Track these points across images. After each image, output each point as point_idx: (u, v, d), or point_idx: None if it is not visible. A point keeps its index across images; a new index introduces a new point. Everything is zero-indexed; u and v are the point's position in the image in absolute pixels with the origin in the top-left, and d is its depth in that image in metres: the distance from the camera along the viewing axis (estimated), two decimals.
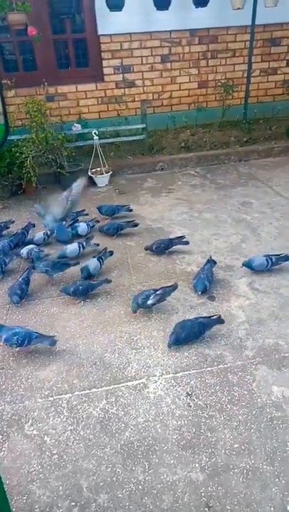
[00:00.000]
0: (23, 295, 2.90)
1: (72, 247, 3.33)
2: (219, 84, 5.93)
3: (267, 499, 1.66)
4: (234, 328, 2.58)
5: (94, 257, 3.14)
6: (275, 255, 3.08)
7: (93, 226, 3.75)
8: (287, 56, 6.21)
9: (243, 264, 3.07)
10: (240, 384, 2.18)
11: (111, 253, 3.26)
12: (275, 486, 1.71)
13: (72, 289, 2.86)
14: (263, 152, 5.46)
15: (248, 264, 3.06)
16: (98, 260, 3.09)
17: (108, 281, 2.99)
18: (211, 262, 3.04)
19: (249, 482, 1.73)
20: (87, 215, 4.04)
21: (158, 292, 2.69)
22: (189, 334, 2.41)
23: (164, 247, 3.36)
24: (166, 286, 2.76)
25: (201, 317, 2.54)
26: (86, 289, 2.88)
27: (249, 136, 5.65)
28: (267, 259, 3.02)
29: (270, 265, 3.03)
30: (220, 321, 2.53)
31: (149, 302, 2.64)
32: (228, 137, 5.64)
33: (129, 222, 3.76)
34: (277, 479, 1.73)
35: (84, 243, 3.39)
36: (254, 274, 3.07)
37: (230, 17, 5.56)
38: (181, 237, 3.47)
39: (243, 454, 1.84)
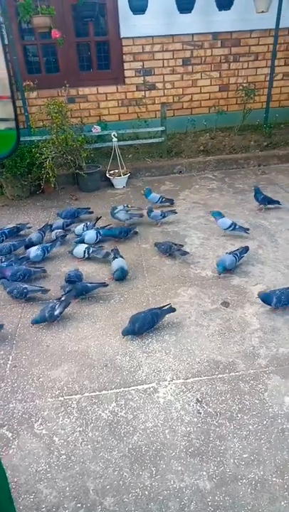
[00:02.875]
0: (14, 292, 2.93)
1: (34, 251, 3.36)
2: (241, 87, 5.88)
3: None
4: (247, 335, 2.54)
5: (115, 257, 3.19)
6: (236, 250, 3.20)
7: (104, 235, 3.62)
8: None
9: (220, 273, 3.10)
10: (251, 393, 2.15)
11: (117, 250, 3.33)
12: (285, 499, 1.67)
13: (67, 288, 2.89)
14: (283, 157, 5.38)
15: (222, 268, 3.06)
16: (122, 258, 3.19)
17: (105, 285, 2.99)
18: None
19: (257, 494, 1.70)
20: (92, 212, 4.11)
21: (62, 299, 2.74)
22: (143, 324, 2.49)
23: (163, 249, 3.40)
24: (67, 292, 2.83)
25: (154, 308, 2.64)
26: (81, 291, 2.89)
27: (269, 140, 5.58)
28: (234, 256, 3.11)
29: (238, 260, 3.14)
30: (171, 310, 2.64)
31: (56, 312, 2.67)
32: (248, 141, 5.58)
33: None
34: (286, 492, 1.69)
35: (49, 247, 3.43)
36: (270, 281, 3.02)
37: (253, 20, 5.51)
38: (181, 245, 3.47)
39: (252, 465, 1.81)
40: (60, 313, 2.68)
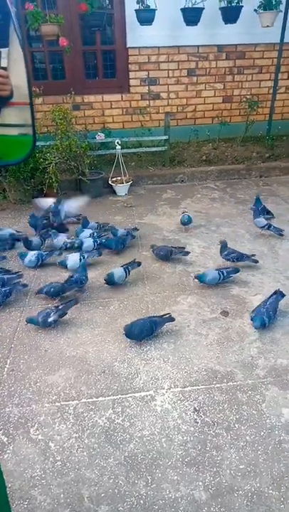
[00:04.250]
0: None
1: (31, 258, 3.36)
2: (244, 99, 5.94)
3: None
4: (246, 345, 2.54)
5: (121, 266, 3.16)
6: (225, 268, 3.16)
7: (101, 244, 3.55)
8: None
9: (196, 277, 3.09)
10: (249, 403, 2.14)
11: (139, 264, 3.25)
12: None
13: (45, 289, 2.93)
14: (285, 169, 5.42)
15: (201, 279, 3.06)
16: (124, 270, 3.10)
17: (81, 291, 3.03)
18: (278, 295, 2.79)
19: (253, 506, 1.68)
20: (79, 219, 4.09)
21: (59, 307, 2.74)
22: (142, 331, 2.50)
23: (163, 255, 3.41)
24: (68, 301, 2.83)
25: (154, 316, 2.64)
26: (58, 292, 2.93)
27: (272, 152, 5.63)
28: (219, 273, 3.07)
29: (222, 279, 3.07)
30: (171, 319, 2.64)
31: (50, 319, 2.67)
32: (250, 152, 5.63)
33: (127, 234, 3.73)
34: (282, 505, 1.68)
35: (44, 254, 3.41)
36: (269, 292, 3.02)
37: (258, 34, 5.58)
38: (182, 247, 3.51)
39: (249, 476, 1.79)
40: (55, 321, 2.67)
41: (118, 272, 3.09)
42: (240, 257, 3.27)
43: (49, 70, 5.72)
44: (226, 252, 3.27)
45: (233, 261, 3.26)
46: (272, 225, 3.81)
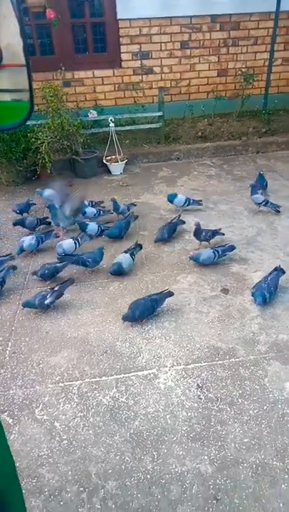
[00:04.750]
0: None
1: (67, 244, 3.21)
2: (239, 72, 5.78)
3: (276, 495, 1.65)
4: (247, 322, 2.55)
5: (125, 252, 3.06)
6: (220, 246, 3.13)
7: (103, 230, 3.48)
8: None
9: (190, 258, 3.08)
10: (251, 378, 2.16)
11: (140, 246, 3.19)
12: (285, 482, 1.69)
13: (39, 273, 2.92)
14: (282, 144, 5.34)
15: (196, 261, 3.05)
16: (131, 256, 3.01)
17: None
18: (279, 271, 2.78)
19: (258, 477, 1.72)
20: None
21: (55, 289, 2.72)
22: (143, 311, 2.51)
23: (172, 232, 3.43)
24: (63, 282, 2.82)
25: (153, 294, 2.63)
26: (52, 273, 2.93)
27: (268, 127, 5.52)
28: (214, 252, 3.04)
29: (218, 257, 3.04)
30: (170, 294, 2.65)
31: (47, 301, 2.65)
32: (246, 128, 5.52)
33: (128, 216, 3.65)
34: (287, 476, 1.71)
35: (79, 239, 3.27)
36: (269, 268, 3.01)
37: (253, 3, 5.38)
38: (178, 216, 3.59)
39: (253, 449, 1.82)
40: (51, 302, 2.65)
41: (126, 260, 2.97)
42: (213, 233, 3.28)
43: (37, 45, 5.49)
44: (204, 233, 3.23)
45: (209, 239, 3.26)
46: (269, 201, 3.78)
